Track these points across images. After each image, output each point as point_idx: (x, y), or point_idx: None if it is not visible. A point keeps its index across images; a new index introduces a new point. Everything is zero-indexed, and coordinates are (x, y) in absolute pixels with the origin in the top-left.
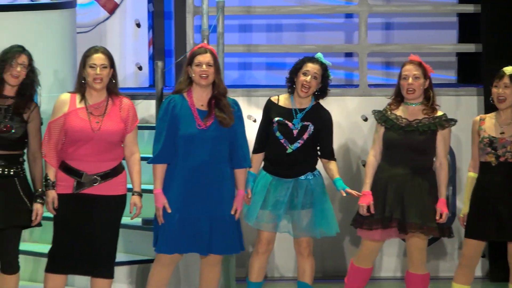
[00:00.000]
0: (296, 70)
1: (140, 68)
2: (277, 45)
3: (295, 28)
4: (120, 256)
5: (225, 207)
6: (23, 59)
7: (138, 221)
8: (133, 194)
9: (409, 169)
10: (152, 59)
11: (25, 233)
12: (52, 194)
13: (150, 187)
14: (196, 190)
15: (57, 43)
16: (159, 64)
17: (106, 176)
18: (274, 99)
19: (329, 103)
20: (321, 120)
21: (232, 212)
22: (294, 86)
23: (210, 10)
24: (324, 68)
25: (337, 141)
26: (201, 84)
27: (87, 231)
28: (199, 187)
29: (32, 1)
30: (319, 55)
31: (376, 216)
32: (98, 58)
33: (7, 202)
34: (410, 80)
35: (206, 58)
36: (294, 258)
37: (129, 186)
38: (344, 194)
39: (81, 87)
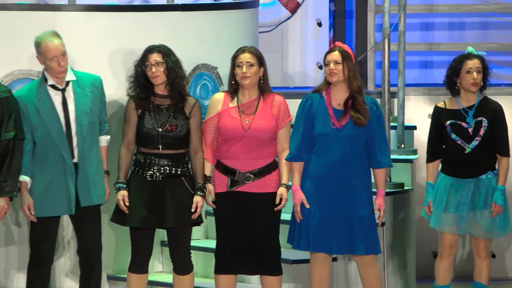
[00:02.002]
0: (456, 71)
1: (320, 67)
2: (459, 43)
3: (478, 26)
4: (290, 254)
5: (363, 206)
6: (154, 57)
7: None
8: (280, 186)
9: None
10: None
11: (195, 229)
12: (209, 187)
13: None
14: (330, 188)
15: (239, 42)
16: None
17: (259, 173)
18: (440, 104)
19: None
20: (493, 112)
21: (376, 212)
22: (456, 87)
23: (391, 9)
24: (482, 60)
25: None
26: (331, 80)
27: (246, 229)
28: (333, 185)
29: (215, 1)
30: (471, 49)
31: None
32: (244, 57)
33: (176, 201)
34: None
35: (333, 56)
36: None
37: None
38: (492, 209)
39: (232, 87)
